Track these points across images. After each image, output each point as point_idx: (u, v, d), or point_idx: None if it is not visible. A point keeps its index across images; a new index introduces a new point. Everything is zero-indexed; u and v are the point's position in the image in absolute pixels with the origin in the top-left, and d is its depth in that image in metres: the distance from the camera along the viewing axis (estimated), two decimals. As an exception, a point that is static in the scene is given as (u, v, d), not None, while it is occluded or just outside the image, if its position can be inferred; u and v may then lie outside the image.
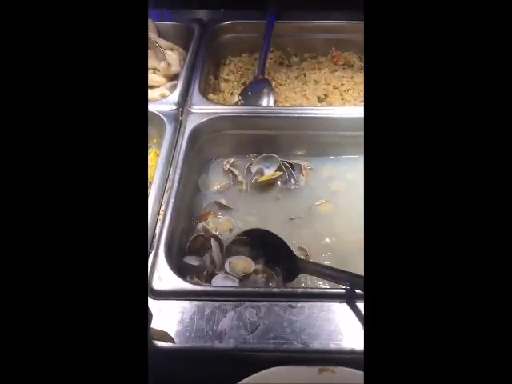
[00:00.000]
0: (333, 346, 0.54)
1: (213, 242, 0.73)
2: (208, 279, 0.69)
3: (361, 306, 0.58)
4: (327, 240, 0.77)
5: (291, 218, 0.80)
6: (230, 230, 0.78)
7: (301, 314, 0.57)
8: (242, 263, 0.70)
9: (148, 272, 0.63)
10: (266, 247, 0.72)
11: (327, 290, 0.62)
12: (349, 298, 0.58)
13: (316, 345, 0.54)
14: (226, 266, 0.69)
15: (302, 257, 0.73)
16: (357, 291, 0.58)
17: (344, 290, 0.59)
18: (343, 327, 0.56)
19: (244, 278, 0.68)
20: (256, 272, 0.69)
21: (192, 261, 0.72)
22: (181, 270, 0.68)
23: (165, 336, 0.55)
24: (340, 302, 0.58)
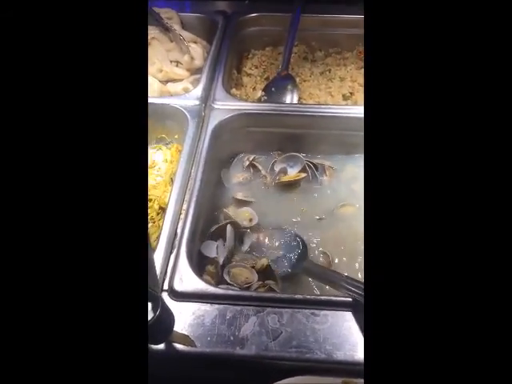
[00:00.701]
0: (357, 357, 0.53)
1: (228, 228, 0.72)
2: (222, 270, 0.69)
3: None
4: (349, 244, 0.75)
5: (318, 219, 0.79)
6: (250, 220, 0.77)
7: (324, 322, 0.56)
8: (244, 273, 0.68)
9: (169, 272, 0.62)
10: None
11: (352, 299, 0.60)
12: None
13: (340, 355, 0.53)
14: (226, 276, 0.67)
15: (323, 260, 0.72)
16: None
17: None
18: (368, 338, 0.54)
19: (246, 289, 0.66)
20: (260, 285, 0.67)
21: (208, 250, 0.71)
22: (198, 259, 0.68)
23: (185, 339, 0.54)
24: (365, 312, 0.56)
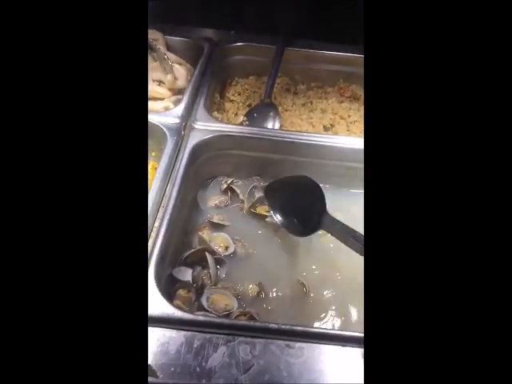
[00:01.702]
0: (334, 395, 0.49)
1: (208, 257, 0.69)
2: (197, 297, 0.65)
3: (365, 350, 0.52)
4: (328, 275, 0.72)
5: (294, 248, 0.76)
6: (226, 248, 0.73)
7: (299, 355, 0.52)
8: (224, 299, 0.64)
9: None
10: (287, 195, 0.76)
11: (330, 331, 0.57)
12: (354, 342, 0.53)
13: (315, 393, 0.49)
14: (204, 302, 0.63)
15: (297, 290, 0.69)
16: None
17: (348, 333, 0.54)
18: (347, 375, 0.50)
19: (224, 317, 0.62)
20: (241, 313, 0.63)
21: (181, 274, 0.67)
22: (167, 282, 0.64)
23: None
24: (343, 346, 0.53)
